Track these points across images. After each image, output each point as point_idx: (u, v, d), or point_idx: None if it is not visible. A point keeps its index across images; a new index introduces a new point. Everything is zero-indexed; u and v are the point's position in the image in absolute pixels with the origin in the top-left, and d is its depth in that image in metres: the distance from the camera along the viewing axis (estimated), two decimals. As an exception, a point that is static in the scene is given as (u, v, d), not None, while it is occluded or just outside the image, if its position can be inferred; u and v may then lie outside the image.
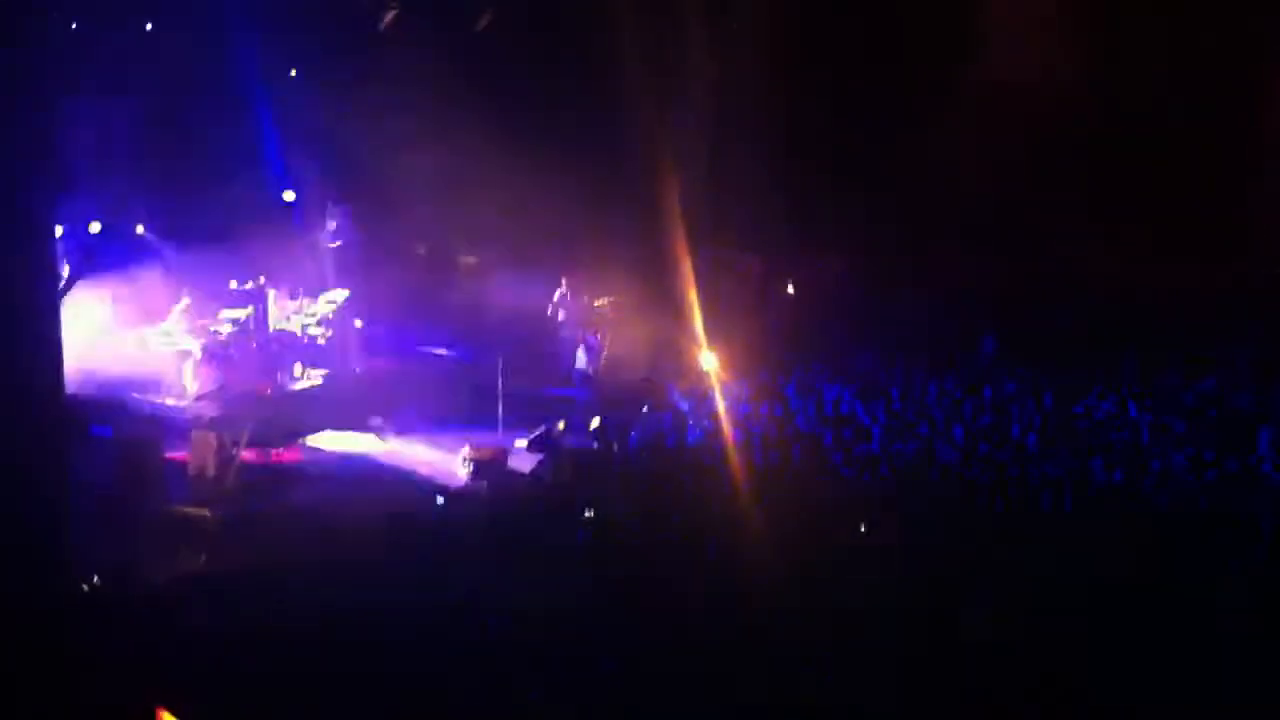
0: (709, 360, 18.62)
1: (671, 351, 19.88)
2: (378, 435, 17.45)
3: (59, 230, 14.01)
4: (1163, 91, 21.23)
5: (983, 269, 21.48)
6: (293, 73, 21.41)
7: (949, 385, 17.44)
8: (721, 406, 17.07)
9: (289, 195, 20.90)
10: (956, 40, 21.85)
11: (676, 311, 19.92)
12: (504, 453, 16.39)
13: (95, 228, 18.10)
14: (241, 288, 18.87)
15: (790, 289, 23.50)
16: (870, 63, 21.94)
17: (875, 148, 21.41)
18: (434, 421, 17.80)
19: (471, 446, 16.43)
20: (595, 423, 17.17)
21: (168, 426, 15.81)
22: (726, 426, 16.01)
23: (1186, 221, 20.89)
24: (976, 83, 21.56)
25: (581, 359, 20.50)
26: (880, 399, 17.05)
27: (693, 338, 19.17)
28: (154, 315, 18.43)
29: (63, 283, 14.66)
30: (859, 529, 12.80)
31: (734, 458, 14.92)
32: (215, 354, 17.35)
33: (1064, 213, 21.28)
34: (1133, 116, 21.45)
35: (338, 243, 20.96)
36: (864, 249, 22.19)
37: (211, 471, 15.26)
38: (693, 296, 19.66)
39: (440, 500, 14.53)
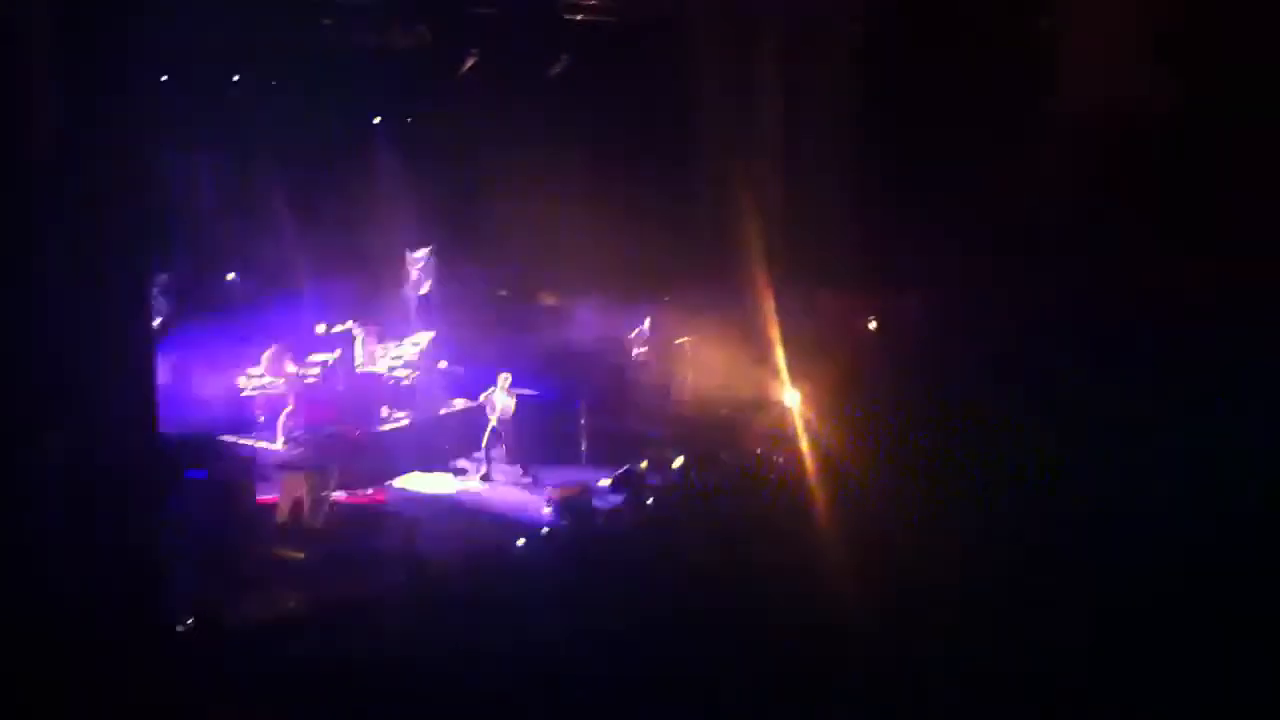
0: (792, 397, 18.57)
1: (754, 388, 19.84)
2: (462, 476, 17.61)
3: (153, 277, 14.35)
4: (1245, 113, 20.90)
5: (1067, 296, 21.21)
6: (376, 120, 21.83)
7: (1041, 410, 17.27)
8: (806, 443, 17.02)
9: (374, 240, 21.23)
10: (1035, 68, 21.67)
11: (758, 348, 19.89)
12: (587, 492, 16.44)
13: (188, 274, 18.50)
14: (329, 332, 19.12)
15: (872, 324, 23.36)
16: (946, 93, 21.83)
17: (952, 179, 21.29)
18: (518, 461, 17.92)
19: (555, 486, 16.53)
20: (678, 461, 17.17)
21: (259, 469, 16.06)
22: (810, 463, 15.95)
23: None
24: (1054, 111, 21.38)
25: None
26: (969, 430, 16.91)
27: (775, 374, 19.14)
28: (245, 359, 18.77)
29: (157, 328, 15.00)
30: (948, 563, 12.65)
31: (819, 493, 14.86)
32: (304, 397, 17.61)
33: (1146, 237, 21.02)
34: (1216, 137, 21.14)
35: (423, 286, 21.21)
36: (943, 281, 21.98)
37: (302, 513, 15.49)
38: (775, 333, 19.63)
39: (520, 542, 14.56)
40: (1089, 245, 21.37)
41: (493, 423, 17.70)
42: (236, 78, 19.76)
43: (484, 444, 17.67)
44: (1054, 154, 20.89)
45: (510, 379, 17.86)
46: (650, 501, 16.02)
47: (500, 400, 17.70)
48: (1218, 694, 9.96)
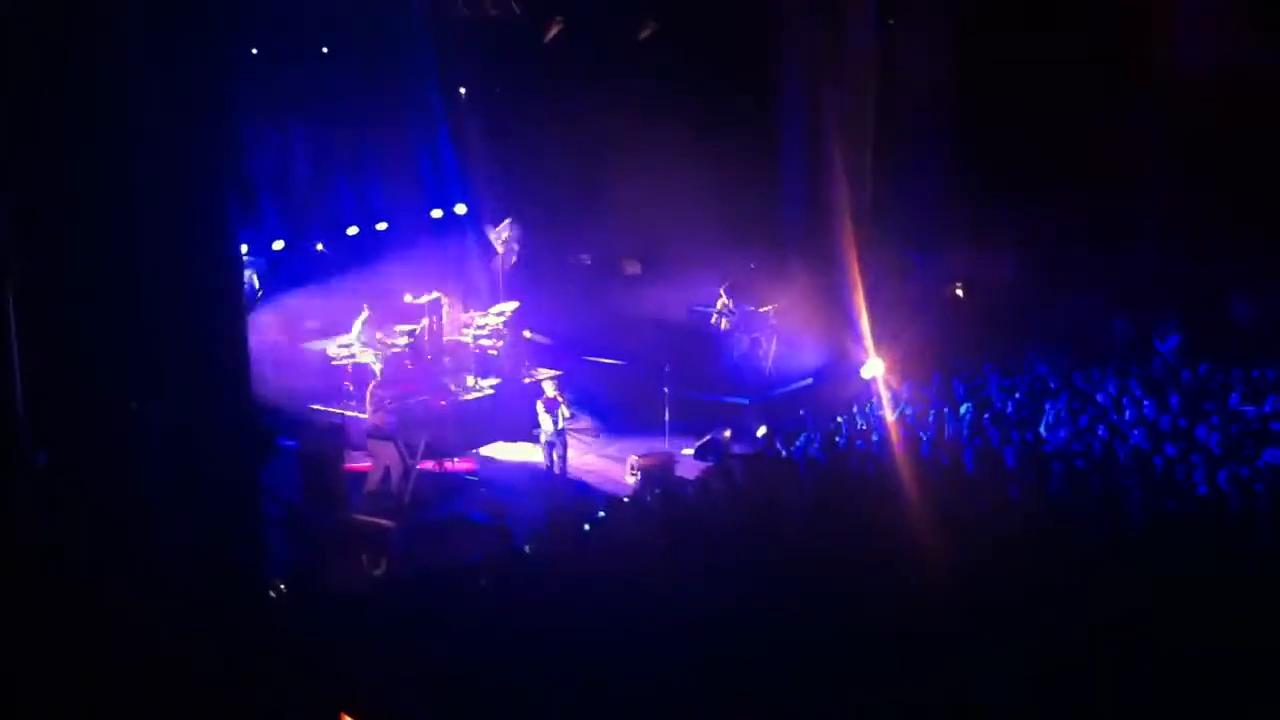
0: (876, 364, 18.40)
1: (838, 356, 19.69)
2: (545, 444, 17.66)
3: (244, 249, 14.59)
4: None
5: (1161, 265, 20.77)
6: (462, 90, 21.90)
7: (1130, 384, 16.93)
8: (889, 411, 16.86)
9: (461, 209, 21.39)
10: (1133, 31, 21.15)
11: (843, 316, 19.72)
12: (671, 460, 16.47)
13: (278, 245, 18.76)
14: (416, 301, 19.32)
15: (960, 289, 23.04)
16: (1043, 54, 21.38)
17: (1046, 143, 20.89)
18: (601, 429, 17.99)
19: (638, 454, 16.57)
20: (762, 430, 17.12)
21: (348, 438, 16.31)
22: (895, 431, 15.80)
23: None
24: (1153, 77, 20.87)
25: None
26: (1056, 399, 16.64)
27: (860, 341, 18.97)
28: (334, 328, 19.04)
29: (249, 299, 15.27)
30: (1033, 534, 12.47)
31: (903, 462, 14.72)
32: (392, 366, 17.83)
33: (1244, 208, 20.49)
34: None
35: (508, 255, 21.34)
36: (1036, 245, 21.61)
37: (390, 481, 15.72)
38: (859, 300, 19.45)
39: (601, 514, 14.61)
40: (1186, 217, 20.92)
41: (542, 438, 16.89)
42: (325, 50, 19.97)
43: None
44: (1152, 122, 20.42)
45: (555, 386, 17.02)
46: (734, 470, 15.98)
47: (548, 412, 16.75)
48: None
